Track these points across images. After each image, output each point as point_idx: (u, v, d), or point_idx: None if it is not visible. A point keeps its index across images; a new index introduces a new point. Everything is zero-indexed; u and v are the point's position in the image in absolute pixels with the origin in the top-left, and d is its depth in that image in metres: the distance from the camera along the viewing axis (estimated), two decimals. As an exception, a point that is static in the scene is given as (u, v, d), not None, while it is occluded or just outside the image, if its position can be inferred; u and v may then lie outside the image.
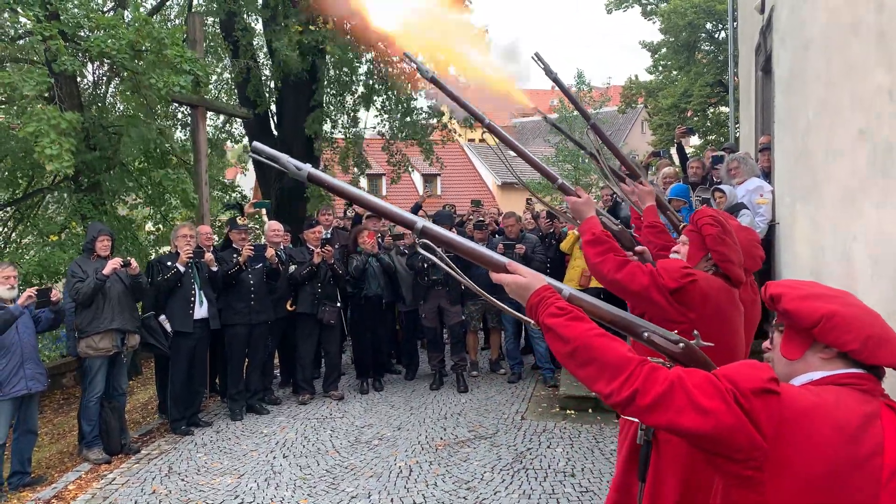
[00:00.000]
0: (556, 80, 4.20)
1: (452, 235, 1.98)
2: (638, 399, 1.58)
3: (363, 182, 17.25)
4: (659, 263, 2.94)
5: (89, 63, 10.45)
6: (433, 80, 3.37)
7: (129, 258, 6.30)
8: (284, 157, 1.88)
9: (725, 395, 1.53)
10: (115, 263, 6.18)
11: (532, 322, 1.93)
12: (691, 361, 1.95)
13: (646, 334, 1.99)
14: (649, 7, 26.63)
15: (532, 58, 4.02)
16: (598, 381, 1.67)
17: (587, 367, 1.70)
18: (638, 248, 3.77)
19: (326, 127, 13.53)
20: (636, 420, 2.83)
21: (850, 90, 3.51)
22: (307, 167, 1.90)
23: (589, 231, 3.02)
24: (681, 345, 1.98)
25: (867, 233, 3.31)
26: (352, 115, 13.94)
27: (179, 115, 13.91)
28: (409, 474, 5.61)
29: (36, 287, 5.97)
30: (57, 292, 5.99)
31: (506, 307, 2.15)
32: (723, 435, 1.52)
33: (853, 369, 1.66)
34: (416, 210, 10.03)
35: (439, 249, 2.02)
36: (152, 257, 9.70)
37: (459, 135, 14.56)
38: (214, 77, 13.81)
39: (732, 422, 1.51)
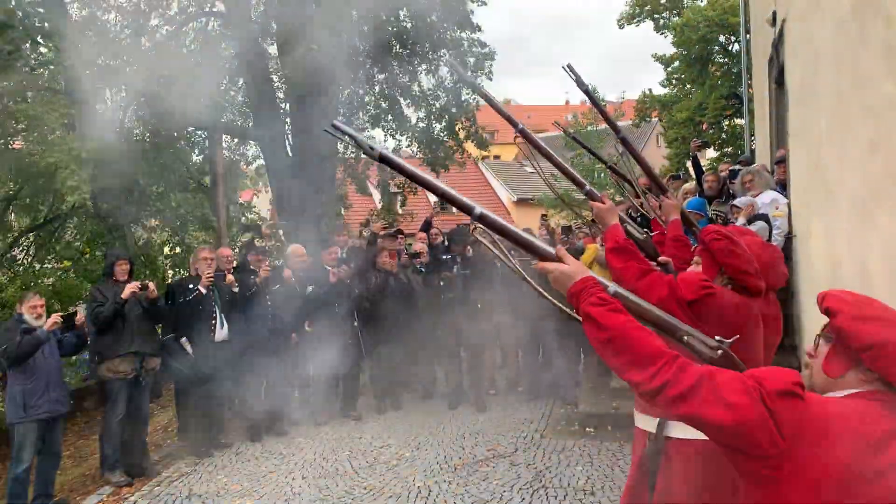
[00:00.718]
0: (587, 92, 4.20)
1: (506, 224, 2.05)
2: (668, 390, 1.63)
3: (374, 195, 17.36)
4: (679, 276, 2.95)
5: (107, 90, 10.64)
6: (474, 87, 3.46)
7: (146, 281, 6.36)
8: (360, 136, 1.96)
9: (752, 391, 1.57)
10: (133, 287, 6.25)
11: (572, 311, 1.97)
12: (727, 367, 1.96)
13: (685, 337, 2.02)
14: (661, 21, 26.66)
15: (563, 68, 4.02)
16: (631, 369, 1.73)
17: (622, 355, 1.76)
18: (662, 258, 3.76)
19: (340, 146, 13.61)
20: (649, 430, 2.84)
21: (861, 102, 3.51)
22: (380, 147, 1.98)
23: (612, 239, 3.04)
24: (719, 351, 2.01)
25: (882, 243, 3.30)
26: (362, 132, 14.04)
27: (201, 139, 14.11)
28: (428, 495, 5.59)
29: (61, 313, 6.05)
30: (81, 315, 6.07)
31: (550, 297, 2.18)
32: (744, 430, 1.55)
33: (888, 391, 1.66)
34: (426, 227, 10.05)
35: (493, 236, 2.08)
36: (170, 280, 9.78)
37: (473, 158, 14.60)
38: (229, 96, 13.97)
39: (755, 417, 1.54)
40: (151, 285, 6.39)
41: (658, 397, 1.65)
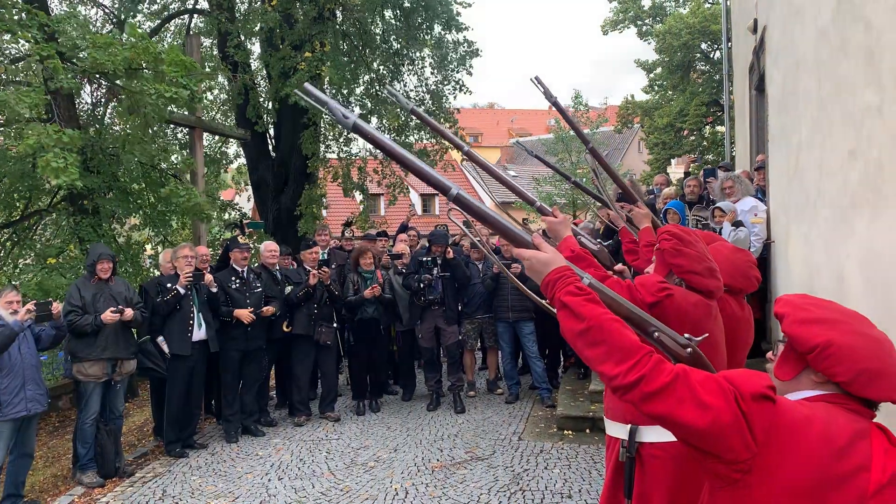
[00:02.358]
0: (555, 104, 4.22)
1: (483, 206, 1.98)
2: (643, 385, 1.60)
3: (358, 197, 17.24)
4: (637, 279, 2.96)
5: (87, 84, 10.51)
6: (413, 112, 3.42)
7: (122, 307, 6.22)
8: (333, 102, 1.85)
9: (727, 393, 1.55)
10: (111, 318, 6.10)
11: (545, 300, 1.93)
12: (696, 365, 1.95)
13: (656, 334, 1.99)
14: (644, 28, 26.85)
15: (532, 80, 4.04)
16: (607, 362, 1.69)
17: (597, 347, 1.72)
18: (617, 266, 3.79)
19: (322, 147, 13.58)
20: (621, 437, 2.84)
21: (841, 109, 3.53)
22: (354, 116, 1.88)
23: (567, 248, 3.03)
24: (689, 350, 2.00)
25: (859, 251, 3.31)
26: (344, 135, 13.97)
27: (176, 137, 13.98)
28: (405, 497, 5.56)
29: (34, 301, 5.85)
30: (57, 305, 5.89)
31: (525, 289, 2.14)
32: (717, 432, 1.53)
33: (844, 395, 1.66)
34: (403, 229, 10.03)
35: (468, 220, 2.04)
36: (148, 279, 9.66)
37: (455, 160, 14.57)
38: (211, 97, 13.86)
39: (729, 420, 1.53)
40: (128, 311, 6.24)
41: (632, 392, 1.62)
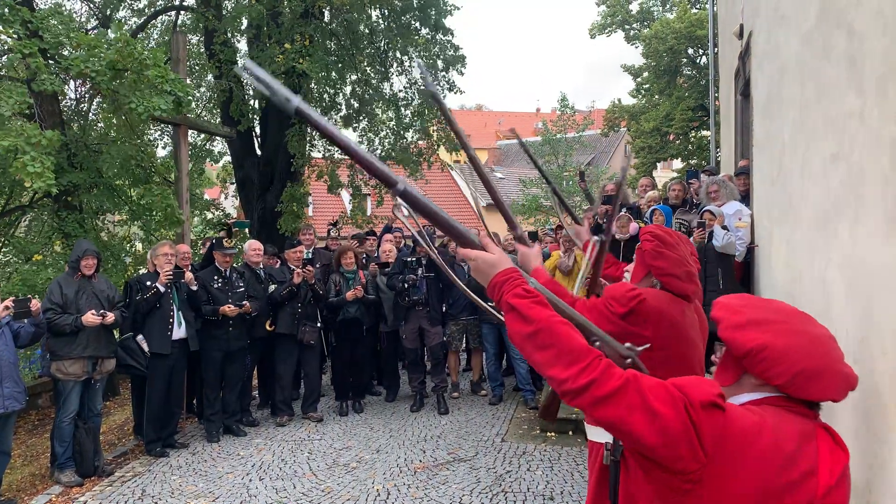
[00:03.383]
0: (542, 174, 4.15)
1: (430, 203, 1.90)
2: (593, 389, 1.55)
3: (345, 197, 17.18)
4: (606, 290, 2.94)
5: (71, 81, 10.41)
6: (434, 97, 3.34)
7: (104, 311, 6.15)
8: (277, 84, 1.75)
9: (676, 401, 1.51)
10: (94, 321, 6.04)
11: (490, 303, 1.87)
12: None
13: (597, 343, 1.90)
14: (632, 32, 26.97)
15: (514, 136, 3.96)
16: (556, 365, 1.62)
17: (546, 350, 1.65)
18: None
19: (308, 146, 13.52)
20: (603, 441, 2.83)
21: (823, 114, 3.55)
22: (297, 99, 1.81)
23: (538, 277, 3.01)
24: (628, 360, 1.91)
25: (840, 256, 3.33)
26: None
27: (159, 134, 13.88)
28: (387, 498, 5.54)
29: (13, 297, 5.78)
30: (36, 303, 5.83)
31: (462, 286, 2.10)
32: (667, 441, 1.49)
33: (786, 398, 1.65)
34: (388, 230, 10.03)
35: (413, 216, 1.97)
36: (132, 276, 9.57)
37: (443, 163, 14.48)
38: (197, 95, 13.77)
39: (679, 429, 1.48)
40: (110, 317, 6.18)
41: (581, 396, 1.56)
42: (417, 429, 7.39)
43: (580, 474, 5.89)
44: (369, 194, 15.13)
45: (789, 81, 4.65)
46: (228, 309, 7.07)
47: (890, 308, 2.61)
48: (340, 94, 13.57)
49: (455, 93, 14.05)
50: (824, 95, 3.51)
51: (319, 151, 13.92)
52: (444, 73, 13.52)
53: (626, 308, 2.75)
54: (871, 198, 2.75)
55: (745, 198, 7.47)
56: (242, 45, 13.83)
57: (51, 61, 8.04)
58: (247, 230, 13.06)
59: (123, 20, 12.79)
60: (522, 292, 1.76)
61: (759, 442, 1.52)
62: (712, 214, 6.74)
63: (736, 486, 1.50)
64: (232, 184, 16.45)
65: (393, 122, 13.59)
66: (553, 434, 6.98)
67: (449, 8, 12.90)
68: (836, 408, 3.40)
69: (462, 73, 13.74)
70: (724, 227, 6.69)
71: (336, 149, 13.93)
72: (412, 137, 13.91)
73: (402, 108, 13.64)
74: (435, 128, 13.77)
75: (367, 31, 12.58)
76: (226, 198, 21.76)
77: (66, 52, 8.08)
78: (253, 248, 7.97)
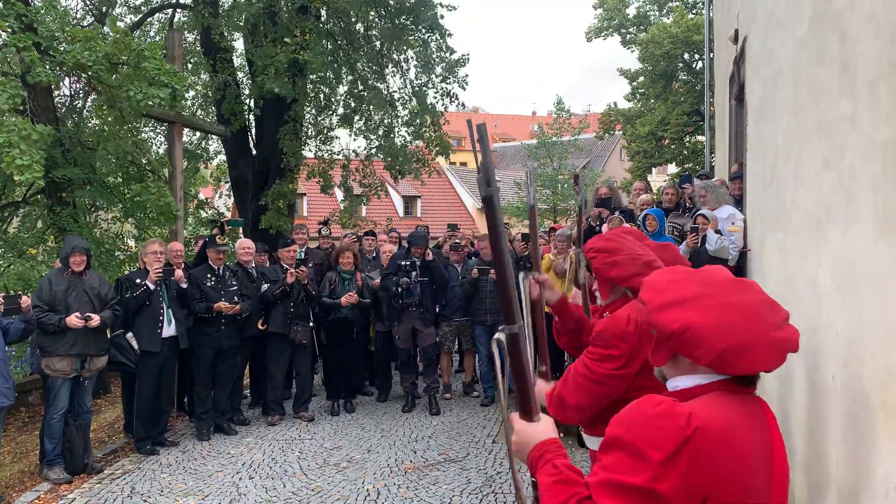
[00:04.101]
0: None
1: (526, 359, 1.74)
2: None
3: (338, 193, 17.11)
4: (592, 344, 2.86)
5: (66, 77, 10.38)
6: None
7: (89, 314, 6.12)
8: (490, 160, 1.61)
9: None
10: (77, 324, 6.01)
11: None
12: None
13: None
14: (628, 36, 27.03)
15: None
16: None
17: None
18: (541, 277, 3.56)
19: (306, 151, 13.51)
20: None
21: (816, 118, 3.56)
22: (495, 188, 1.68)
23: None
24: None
25: (832, 259, 3.34)
26: (326, 132, 13.90)
27: (154, 133, 13.85)
28: (377, 497, 5.53)
29: (2, 294, 5.76)
30: (27, 299, 5.81)
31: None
32: None
33: (721, 377, 1.62)
34: (372, 235, 10.06)
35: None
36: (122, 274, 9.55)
37: (430, 170, 14.42)
38: (192, 93, 13.74)
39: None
40: (94, 320, 6.12)
41: None
42: (409, 429, 7.38)
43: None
44: (361, 195, 15.02)
45: (783, 86, 4.67)
46: (224, 305, 7.05)
47: (878, 311, 2.62)
48: (335, 94, 13.55)
49: (457, 107, 13.93)
50: (817, 100, 3.52)
51: (311, 151, 13.89)
52: (443, 82, 13.49)
53: (627, 346, 2.70)
54: (862, 202, 2.75)
55: (740, 202, 7.49)
56: (239, 45, 13.81)
57: (46, 57, 8.00)
58: (240, 229, 13.03)
59: (119, 17, 12.75)
60: (551, 469, 1.67)
61: (731, 445, 1.51)
62: (705, 219, 6.74)
63: (723, 496, 1.49)
64: (226, 183, 16.41)
65: (387, 122, 13.56)
66: (544, 436, 6.97)
67: (442, 9, 12.88)
68: (826, 412, 3.42)
69: (465, 87, 13.67)
70: (718, 232, 6.71)
71: (328, 149, 13.97)
72: (407, 139, 13.88)
73: (401, 107, 13.62)
74: (429, 129, 13.74)
75: (362, 30, 12.56)
76: (219, 197, 21.73)
77: (61, 48, 8.06)
78: (243, 246, 7.96)
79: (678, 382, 1.68)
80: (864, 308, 2.82)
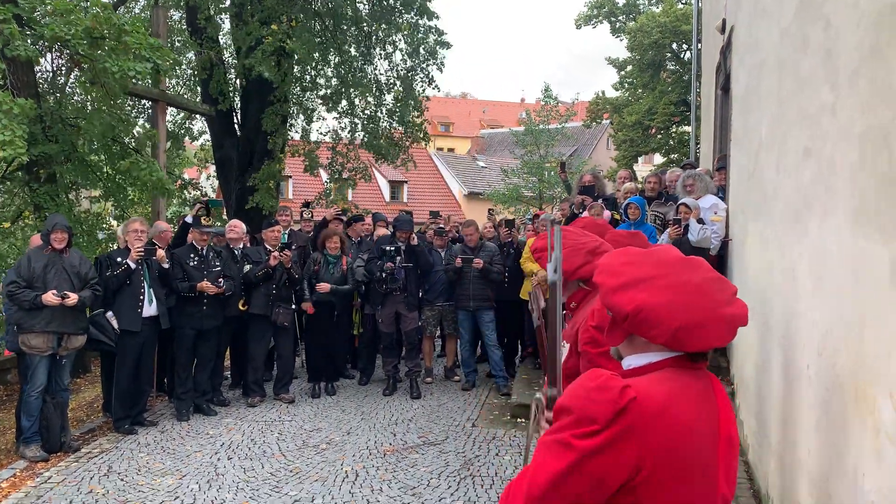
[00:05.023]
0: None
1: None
2: None
3: (323, 174, 16.99)
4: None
5: (48, 53, 10.22)
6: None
7: (66, 293, 6.04)
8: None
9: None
10: (53, 301, 5.92)
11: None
12: None
13: None
14: (618, 24, 27.00)
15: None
16: None
17: None
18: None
19: (291, 132, 13.41)
20: None
21: (798, 107, 3.57)
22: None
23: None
24: None
25: (811, 249, 3.36)
26: (309, 113, 13.80)
27: (137, 113, 13.69)
28: (356, 479, 5.54)
29: None
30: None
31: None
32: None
33: (673, 353, 1.66)
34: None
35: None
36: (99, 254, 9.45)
37: (408, 157, 14.36)
38: (177, 70, 13.58)
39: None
40: (72, 298, 6.03)
41: None
42: (389, 412, 7.39)
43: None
44: (348, 178, 14.90)
45: (768, 75, 4.68)
46: (206, 285, 7.00)
47: (852, 301, 2.64)
48: (322, 76, 13.44)
49: (433, 88, 13.83)
50: (801, 90, 3.53)
51: (297, 132, 13.80)
52: (423, 64, 13.43)
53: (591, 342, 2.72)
54: (841, 192, 2.77)
55: (724, 192, 7.53)
56: (226, 25, 13.64)
57: (27, 30, 7.87)
58: (222, 209, 12.93)
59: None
60: None
61: (674, 416, 1.52)
62: (687, 207, 6.77)
63: (665, 468, 1.51)
64: (211, 164, 16.27)
65: (372, 107, 13.48)
66: (523, 420, 7.01)
67: None
68: (800, 400, 3.45)
69: (441, 69, 13.65)
70: (700, 221, 6.73)
71: (313, 130, 13.88)
72: (391, 124, 13.81)
73: (384, 94, 13.55)
74: (415, 115, 13.68)
75: (350, 12, 12.45)
76: (207, 179, 21.56)
77: (43, 22, 7.92)
78: (232, 226, 7.95)
79: (632, 361, 1.72)
80: (838, 298, 2.84)
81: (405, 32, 13.06)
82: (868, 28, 2.38)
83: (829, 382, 2.91)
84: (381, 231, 8.96)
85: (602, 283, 1.74)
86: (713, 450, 1.60)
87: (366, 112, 13.65)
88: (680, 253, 1.78)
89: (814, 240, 3.31)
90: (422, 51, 13.33)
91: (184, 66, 14.22)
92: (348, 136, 13.85)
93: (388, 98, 13.60)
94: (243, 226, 8.16)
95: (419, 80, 13.54)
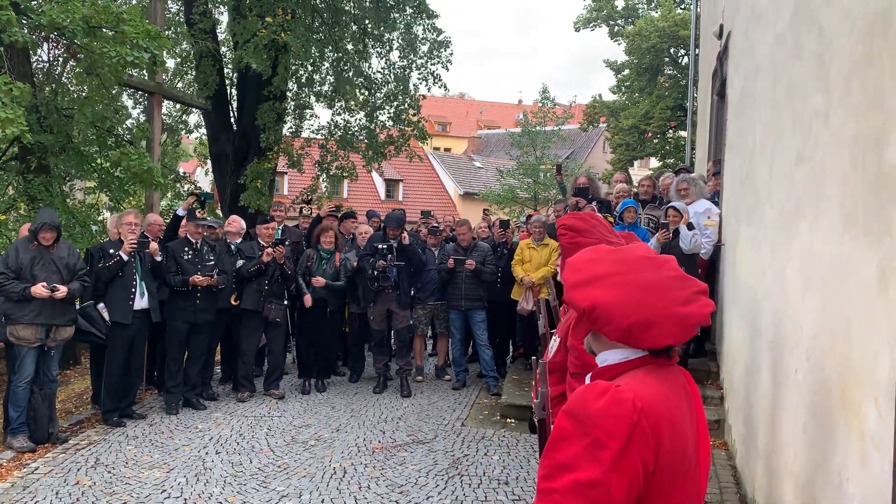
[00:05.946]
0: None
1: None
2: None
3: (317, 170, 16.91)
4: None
5: (44, 42, 10.17)
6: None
7: (55, 286, 6.02)
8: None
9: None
10: (42, 293, 5.89)
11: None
12: None
13: None
14: (616, 28, 27.04)
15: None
16: None
17: None
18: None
19: (285, 129, 13.36)
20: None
21: (791, 113, 3.58)
22: None
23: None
24: None
25: (801, 253, 3.37)
26: (303, 109, 13.75)
27: (132, 103, 13.64)
28: (343, 476, 5.53)
29: None
30: None
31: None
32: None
33: (639, 353, 1.67)
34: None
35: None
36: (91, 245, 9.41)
37: (410, 152, 14.30)
38: (174, 63, 13.53)
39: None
40: (61, 290, 5.99)
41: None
42: (379, 410, 7.39)
43: (536, 460, 5.92)
44: (334, 175, 14.77)
45: (762, 81, 4.70)
46: (198, 278, 6.99)
47: (839, 305, 2.65)
48: (318, 72, 13.40)
49: (439, 87, 13.80)
50: (794, 95, 3.54)
51: (292, 129, 13.75)
52: (426, 62, 13.40)
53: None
54: (831, 196, 2.78)
55: (718, 198, 7.55)
56: (224, 18, 13.62)
57: (23, 18, 7.84)
58: (214, 203, 12.87)
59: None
60: None
61: (667, 421, 1.54)
62: (676, 211, 6.75)
63: (664, 469, 1.53)
64: (208, 159, 16.21)
65: (368, 107, 13.44)
66: (513, 420, 7.02)
67: None
68: (788, 403, 3.46)
69: (448, 68, 13.61)
70: (690, 225, 6.72)
71: (305, 126, 13.82)
72: (385, 122, 13.77)
73: (376, 91, 13.51)
74: (411, 113, 13.64)
75: (347, 9, 12.42)
76: (206, 174, 21.49)
77: (40, 10, 7.88)
78: (231, 221, 7.99)
79: (606, 356, 1.73)
80: (826, 302, 2.86)
81: (401, 31, 13.04)
82: (860, 35, 2.40)
83: (816, 386, 2.92)
84: (364, 229, 8.91)
85: (565, 280, 1.76)
86: (695, 444, 1.64)
87: (364, 109, 13.60)
88: (649, 251, 1.79)
89: (804, 243, 3.33)
90: (422, 50, 13.30)
91: (179, 59, 14.16)
92: (339, 136, 13.73)
93: (380, 95, 13.54)
94: (242, 222, 8.16)
95: (422, 78, 13.50)
